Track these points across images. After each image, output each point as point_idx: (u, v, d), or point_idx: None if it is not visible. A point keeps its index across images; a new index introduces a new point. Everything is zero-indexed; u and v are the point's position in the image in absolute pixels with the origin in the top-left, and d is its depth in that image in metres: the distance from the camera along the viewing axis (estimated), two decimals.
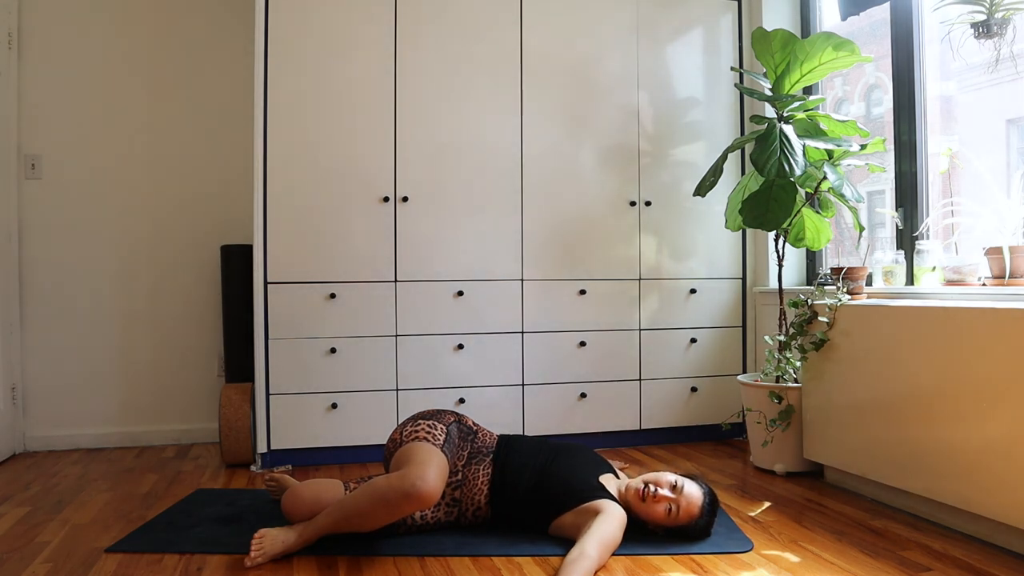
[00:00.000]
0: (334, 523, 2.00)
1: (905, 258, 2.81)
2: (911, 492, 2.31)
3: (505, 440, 2.30)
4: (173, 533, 2.18)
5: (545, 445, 2.28)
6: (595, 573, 1.87)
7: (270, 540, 1.97)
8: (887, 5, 2.93)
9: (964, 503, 2.11)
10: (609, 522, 1.96)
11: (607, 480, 2.18)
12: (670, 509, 2.05)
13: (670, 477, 2.09)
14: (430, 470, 1.95)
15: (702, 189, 3.03)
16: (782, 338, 2.88)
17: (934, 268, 2.65)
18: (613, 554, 1.98)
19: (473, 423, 2.36)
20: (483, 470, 2.18)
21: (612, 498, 2.09)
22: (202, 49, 3.55)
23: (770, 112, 3.23)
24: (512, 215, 3.22)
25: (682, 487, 2.06)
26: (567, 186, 3.29)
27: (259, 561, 1.94)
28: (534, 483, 2.14)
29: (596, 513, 2.00)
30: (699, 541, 2.10)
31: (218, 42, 3.55)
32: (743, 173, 3.47)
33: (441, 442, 2.12)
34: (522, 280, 3.23)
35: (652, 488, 2.06)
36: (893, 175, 2.92)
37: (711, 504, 2.10)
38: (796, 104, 2.82)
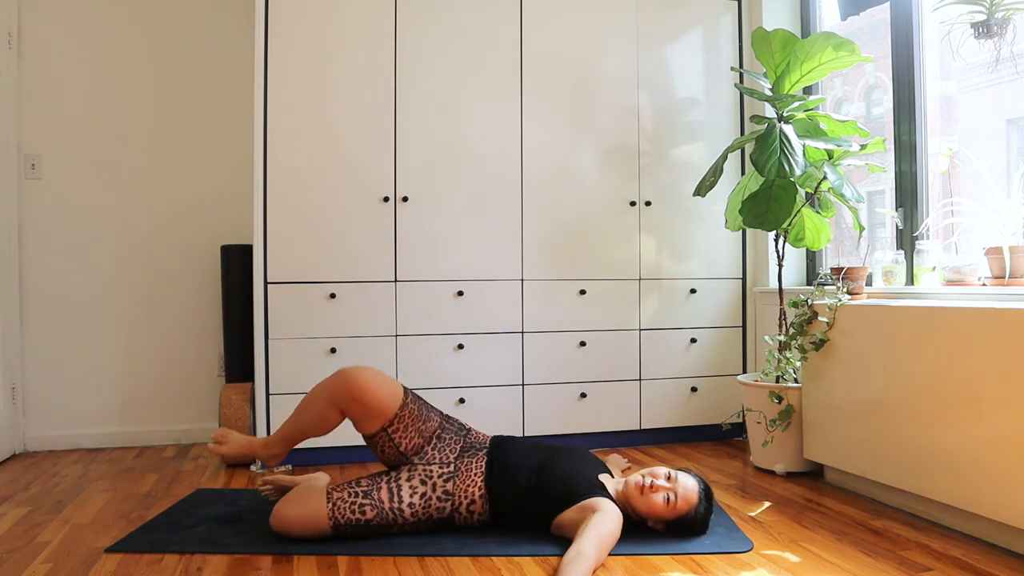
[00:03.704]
0: (291, 425, 2.20)
1: (905, 258, 2.81)
2: (911, 492, 2.31)
3: (498, 440, 2.28)
4: (173, 533, 2.18)
5: (541, 446, 2.28)
6: (594, 572, 1.87)
7: (234, 438, 2.26)
8: (887, 5, 2.93)
9: (964, 503, 2.11)
10: (606, 521, 1.97)
11: (604, 479, 2.19)
12: (668, 498, 2.08)
13: (663, 469, 2.14)
14: (367, 368, 2.15)
15: (702, 189, 3.03)
16: (782, 338, 2.88)
17: (934, 268, 2.65)
18: (613, 554, 1.98)
19: (463, 423, 2.34)
20: (476, 463, 2.16)
21: (609, 497, 2.09)
22: (202, 49, 3.55)
23: (770, 112, 3.23)
24: (512, 215, 3.22)
25: (676, 477, 2.12)
26: (567, 186, 3.29)
27: (222, 451, 2.23)
28: (534, 481, 2.13)
29: (593, 511, 2.00)
30: (699, 536, 2.12)
31: (218, 42, 3.56)
32: (743, 173, 3.47)
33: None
34: (522, 280, 3.23)
35: (649, 479, 2.10)
36: (893, 175, 2.92)
37: (707, 492, 2.15)
38: (796, 104, 2.82)
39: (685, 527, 2.11)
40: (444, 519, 2.14)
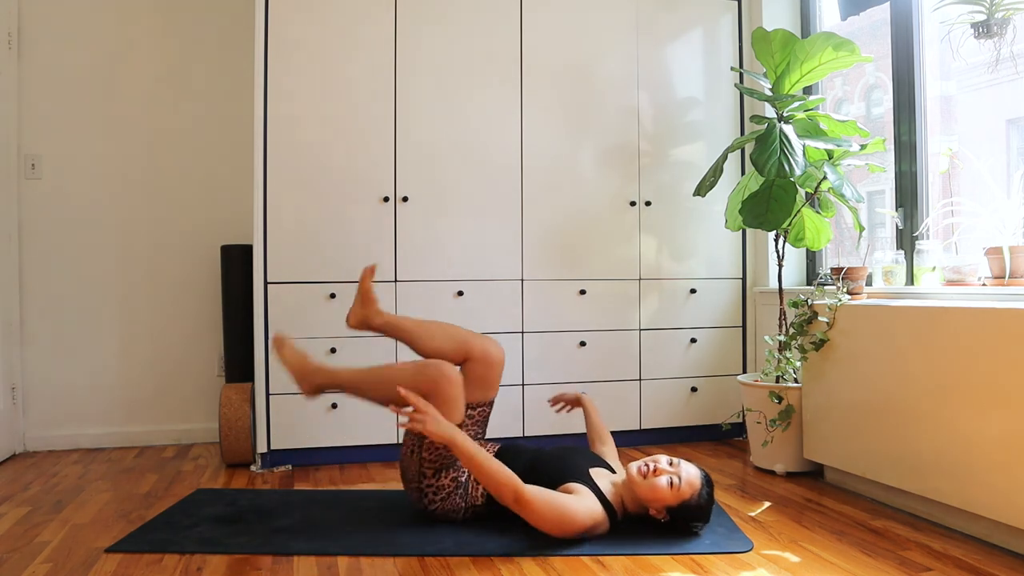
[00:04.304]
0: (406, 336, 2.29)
1: (905, 258, 2.81)
2: (911, 492, 2.31)
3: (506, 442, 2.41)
4: (173, 533, 2.18)
5: (543, 448, 2.36)
6: (515, 502, 1.97)
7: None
8: (887, 5, 2.93)
9: (964, 503, 2.11)
10: (577, 500, 2.03)
11: (598, 473, 2.21)
12: (672, 482, 2.08)
13: (665, 456, 2.16)
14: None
15: (702, 189, 3.03)
16: (782, 338, 2.88)
17: (934, 268, 2.65)
18: (613, 553, 1.98)
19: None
20: (488, 446, 2.34)
21: (597, 489, 2.12)
22: (202, 49, 3.55)
23: (770, 112, 3.23)
24: (512, 215, 3.22)
25: (678, 462, 2.14)
26: (567, 186, 3.29)
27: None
28: (529, 467, 2.19)
29: (570, 492, 2.07)
30: (700, 526, 2.15)
31: (218, 42, 3.55)
32: (743, 173, 3.47)
33: None
34: (522, 280, 3.23)
35: (651, 464, 2.11)
36: (893, 175, 2.92)
37: (708, 479, 2.16)
38: (796, 104, 2.82)
39: (688, 514, 2.11)
40: (464, 483, 2.24)
